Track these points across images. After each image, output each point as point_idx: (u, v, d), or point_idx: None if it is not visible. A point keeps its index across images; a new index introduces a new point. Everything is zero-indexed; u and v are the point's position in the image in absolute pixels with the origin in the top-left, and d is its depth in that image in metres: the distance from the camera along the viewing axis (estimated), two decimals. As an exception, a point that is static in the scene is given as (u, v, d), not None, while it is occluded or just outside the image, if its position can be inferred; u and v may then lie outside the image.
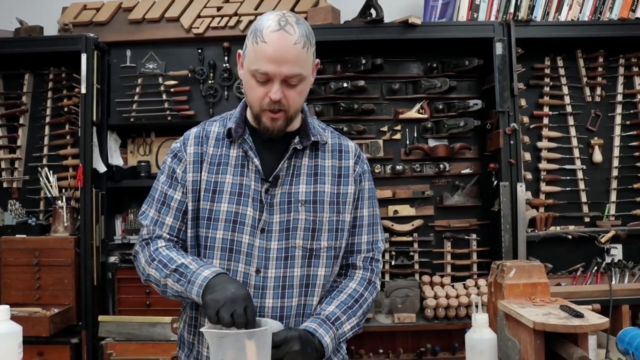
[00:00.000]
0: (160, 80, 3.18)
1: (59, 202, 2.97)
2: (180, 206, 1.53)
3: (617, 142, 3.15)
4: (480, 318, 1.41)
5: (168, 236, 1.54)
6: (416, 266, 3.08)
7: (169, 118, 3.16)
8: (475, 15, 3.02)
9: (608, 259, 3.05)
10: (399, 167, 3.10)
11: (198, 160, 1.53)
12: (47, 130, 3.23)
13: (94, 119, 2.99)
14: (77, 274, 2.90)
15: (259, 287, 1.47)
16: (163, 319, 2.79)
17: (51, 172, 3.07)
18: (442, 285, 2.92)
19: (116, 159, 3.21)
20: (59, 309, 2.79)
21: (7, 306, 1.37)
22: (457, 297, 2.83)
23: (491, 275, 1.68)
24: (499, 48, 2.89)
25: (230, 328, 1.28)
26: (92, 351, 2.89)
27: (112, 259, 3.14)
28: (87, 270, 2.91)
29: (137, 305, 2.95)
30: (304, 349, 1.36)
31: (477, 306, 1.46)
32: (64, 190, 3.05)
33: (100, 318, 2.85)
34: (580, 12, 3.01)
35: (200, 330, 1.37)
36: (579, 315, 1.33)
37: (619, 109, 3.16)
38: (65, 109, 3.19)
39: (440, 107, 3.12)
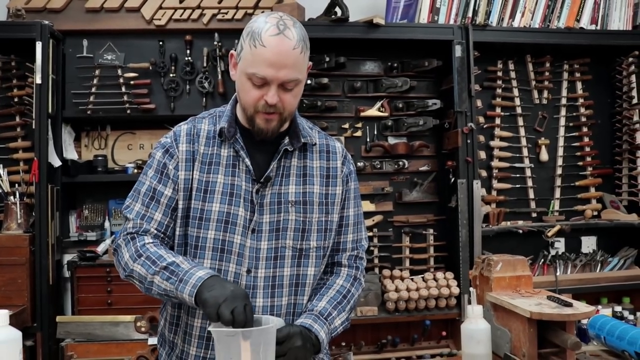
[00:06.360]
0: (119, 72, 3.08)
1: (12, 198, 2.81)
2: (170, 202, 1.50)
3: (561, 142, 3.37)
4: (476, 309, 1.50)
5: (155, 232, 1.50)
6: (376, 260, 3.16)
7: (128, 111, 3.07)
8: (435, 18, 3.12)
9: (553, 252, 3.27)
10: (359, 164, 3.16)
11: (190, 158, 1.51)
12: (-5, 121, 3.06)
13: (50, 110, 2.86)
14: (31, 273, 2.77)
15: (250, 287, 1.48)
16: (126, 317, 2.72)
17: (1, 166, 2.91)
18: (402, 278, 3.02)
19: (71, 153, 3.08)
20: (12, 311, 2.64)
21: (6, 310, 1.30)
22: (417, 290, 2.94)
23: (475, 269, 1.77)
24: (458, 50, 3.01)
25: (229, 326, 1.29)
26: (48, 353, 2.77)
27: (67, 257, 3.01)
28: (42, 269, 2.78)
29: (98, 305, 2.85)
30: (305, 345, 1.38)
31: (470, 297, 1.54)
32: (16, 185, 2.89)
33: (59, 318, 2.73)
34: (531, 19, 3.19)
35: (208, 329, 1.36)
36: (568, 304, 1.44)
37: (563, 112, 3.39)
38: (16, 100, 3.02)
39: (400, 105, 3.20)
